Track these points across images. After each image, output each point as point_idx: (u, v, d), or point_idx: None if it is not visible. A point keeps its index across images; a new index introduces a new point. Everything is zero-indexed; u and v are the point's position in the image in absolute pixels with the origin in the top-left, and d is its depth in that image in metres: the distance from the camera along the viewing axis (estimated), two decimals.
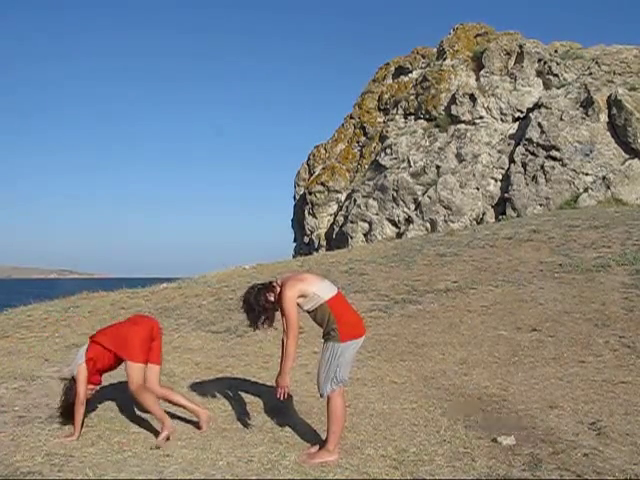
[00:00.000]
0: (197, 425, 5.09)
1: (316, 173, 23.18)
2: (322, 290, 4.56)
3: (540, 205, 17.39)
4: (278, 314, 4.66)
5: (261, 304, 4.61)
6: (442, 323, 7.94)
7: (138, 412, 5.38)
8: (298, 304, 4.54)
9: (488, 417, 5.23)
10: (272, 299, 4.61)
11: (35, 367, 6.85)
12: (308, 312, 4.63)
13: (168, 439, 4.75)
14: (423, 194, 19.10)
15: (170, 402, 5.14)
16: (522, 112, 19.56)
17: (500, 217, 17.50)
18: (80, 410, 4.80)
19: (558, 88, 19.27)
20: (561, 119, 18.08)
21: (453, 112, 20.07)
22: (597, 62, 19.82)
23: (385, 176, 19.93)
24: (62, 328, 8.75)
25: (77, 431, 4.77)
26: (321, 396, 4.59)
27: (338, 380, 4.48)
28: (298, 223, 23.48)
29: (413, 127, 21.07)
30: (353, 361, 4.74)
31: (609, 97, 17.98)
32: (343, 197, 21.85)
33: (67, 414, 4.95)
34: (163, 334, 5.21)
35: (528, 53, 20.26)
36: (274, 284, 4.64)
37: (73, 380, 4.93)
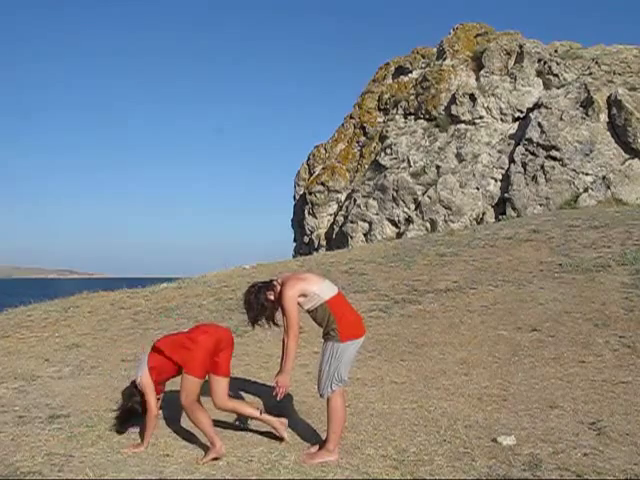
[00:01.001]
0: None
1: (316, 173, 23.17)
2: (322, 290, 4.56)
3: (540, 205, 17.38)
4: (279, 314, 4.66)
5: (261, 303, 4.60)
6: (442, 323, 7.94)
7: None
8: (299, 303, 4.54)
9: (488, 417, 5.23)
10: (272, 298, 4.60)
11: (35, 367, 6.86)
12: (308, 312, 4.63)
13: (215, 459, 4.45)
14: (423, 194, 19.10)
15: (241, 415, 4.95)
16: (522, 112, 19.56)
17: (500, 217, 17.49)
18: (152, 423, 4.62)
19: (558, 88, 19.27)
20: (561, 119, 18.08)
21: (453, 112, 20.06)
22: (597, 62, 19.82)
23: (385, 176, 19.93)
24: (62, 328, 8.76)
25: (146, 442, 4.60)
26: (321, 396, 4.59)
27: (338, 380, 4.48)
28: (298, 223, 23.48)
29: (413, 127, 21.06)
30: (353, 361, 4.74)
31: (609, 97, 17.98)
32: (343, 197, 21.85)
33: (123, 420, 4.81)
34: (233, 344, 4.88)
35: (528, 53, 20.26)
36: (275, 283, 4.63)
37: (135, 388, 4.70)
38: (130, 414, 4.78)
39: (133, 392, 4.73)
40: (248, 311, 4.68)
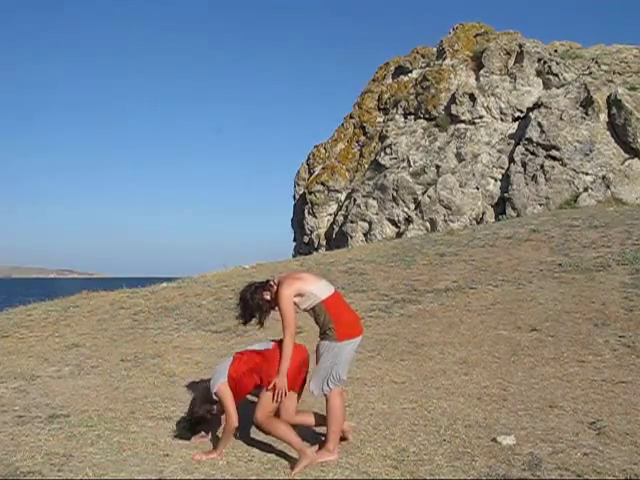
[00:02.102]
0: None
1: (316, 173, 23.17)
2: (319, 289, 4.56)
3: (540, 205, 17.39)
4: (276, 313, 4.65)
5: (256, 302, 4.59)
6: (442, 323, 7.94)
7: (137, 412, 5.38)
8: (295, 303, 4.52)
9: (488, 417, 5.23)
10: (268, 298, 4.59)
11: (35, 367, 6.85)
12: (306, 311, 4.62)
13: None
14: (423, 194, 19.10)
15: (309, 426, 4.80)
16: (522, 112, 19.56)
17: (500, 217, 17.50)
18: (229, 433, 4.52)
19: (558, 88, 19.27)
20: (561, 119, 18.08)
21: (453, 112, 20.07)
22: (597, 62, 19.82)
23: (385, 176, 19.93)
24: (62, 328, 8.76)
25: (219, 451, 4.48)
26: (312, 394, 4.58)
27: (336, 380, 4.48)
28: (298, 223, 23.47)
29: (413, 127, 21.06)
30: (351, 360, 4.73)
31: (609, 97, 17.98)
32: (343, 197, 21.85)
33: (192, 427, 4.74)
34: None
35: (528, 53, 20.26)
36: (271, 283, 4.62)
37: (209, 396, 4.59)
38: (200, 421, 4.70)
39: (206, 399, 4.63)
40: (242, 309, 4.66)
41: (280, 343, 4.54)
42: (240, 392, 4.60)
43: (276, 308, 4.59)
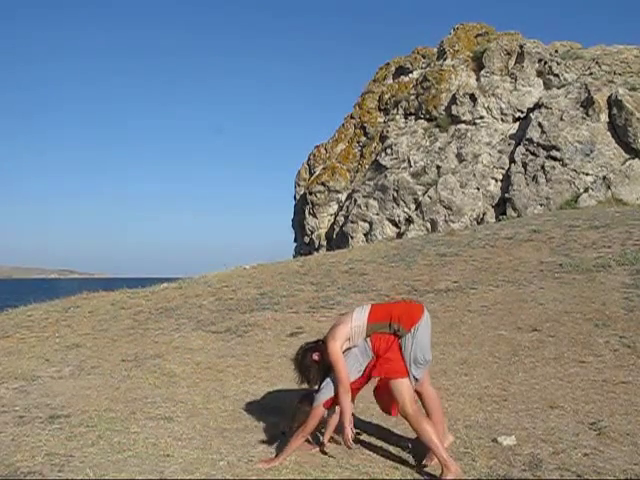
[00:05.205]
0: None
1: (316, 173, 23.18)
2: (358, 317, 4.51)
3: (540, 205, 17.39)
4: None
5: (306, 365, 4.60)
6: (442, 323, 7.94)
7: (138, 412, 5.38)
8: (350, 348, 4.47)
9: (488, 417, 5.23)
10: (317, 358, 4.57)
11: (35, 367, 6.85)
12: (376, 334, 4.52)
13: None
14: (423, 194, 19.11)
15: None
16: (522, 112, 19.57)
17: (500, 217, 17.51)
18: (298, 444, 4.46)
19: (558, 88, 19.27)
20: (561, 119, 18.08)
21: (453, 112, 20.07)
22: (597, 62, 19.83)
23: (385, 176, 19.94)
24: (62, 328, 8.75)
25: (283, 458, 4.40)
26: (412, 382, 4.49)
27: (424, 362, 4.46)
28: (298, 223, 23.48)
29: (413, 127, 21.07)
30: (429, 342, 4.60)
31: (609, 97, 17.99)
32: (343, 197, 21.86)
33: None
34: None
35: (528, 53, 20.26)
36: (320, 342, 4.62)
37: (309, 407, 4.50)
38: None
39: (305, 411, 4.53)
40: (296, 372, 4.70)
41: (381, 335, 4.46)
42: (352, 390, 4.52)
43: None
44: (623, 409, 5.26)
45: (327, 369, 4.50)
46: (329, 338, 4.48)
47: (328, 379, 4.49)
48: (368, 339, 4.46)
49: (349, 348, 4.47)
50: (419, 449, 4.57)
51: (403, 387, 4.33)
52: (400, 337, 4.44)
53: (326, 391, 4.45)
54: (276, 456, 4.45)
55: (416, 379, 4.43)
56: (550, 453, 4.48)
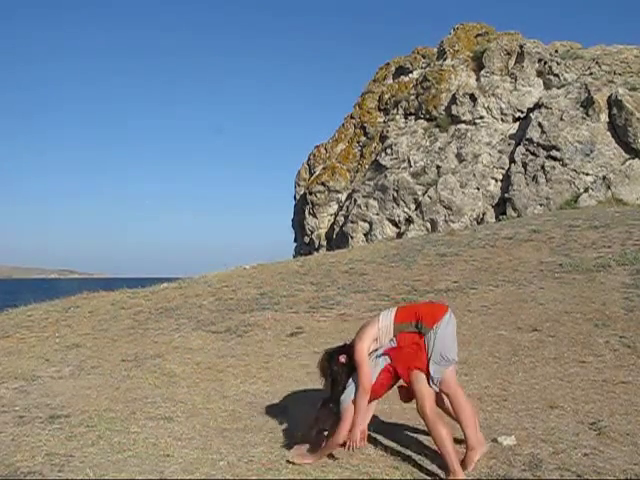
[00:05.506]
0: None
1: (316, 173, 23.19)
2: (385, 318, 4.57)
3: (540, 205, 17.39)
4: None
5: (332, 368, 4.62)
6: None
7: (138, 412, 5.38)
8: (376, 349, 4.50)
9: (488, 417, 5.23)
10: (344, 361, 4.60)
11: (35, 367, 6.85)
12: (401, 334, 4.54)
13: None
14: (423, 194, 19.11)
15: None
16: (522, 112, 19.57)
17: (500, 217, 17.51)
18: (331, 449, 4.45)
19: (558, 88, 19.27)
20: (561, 119, 18.08)
21: (453, 112, 20.07)
22: (597, 62, 19.83)
23: (385, 176, 19.94)
24: (62, 328, 8.75)
25: (316, 458, 4.39)
26: (433, 383, 4.45)
27: (447, 361, 4.44)
28: (298, 223, 23.48)
29: (413, 127, 21.07)
30: (454, 340, 4.58)
31: (609, 97, 17.99)
32: (343, 197, 21.86)
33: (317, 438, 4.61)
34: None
35: (528, 53, 20.26)
36: (345, 345, 4.66)
37: (336, 406, 4.52)
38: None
39: (331, 411, 4.54)
40: (323, 376, 4.71)
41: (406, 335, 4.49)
42: (377, 391, 4.55)
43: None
44: (623, 409, 5.26)
45: (352, 370, 4.55)
46: (356, 339, 4.53)
47: (352, 377, 4.53)
48: (394, 338, 4.51)
49: (376, 349, 4.51)
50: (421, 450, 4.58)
51: (423, 382, 4.34)
52: (424, 335, 4.47)
53: (353, 388, 4.48)
54: (313, 453, 4.44)
55: (437, 379, 4.43)
56: (550, 453, 4.48)
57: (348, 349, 4.59)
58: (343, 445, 4.45)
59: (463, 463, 4.30)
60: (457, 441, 4.44)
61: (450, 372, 4.48)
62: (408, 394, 4.54)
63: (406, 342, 4.46)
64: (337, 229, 20.99)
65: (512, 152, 18.69)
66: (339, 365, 4.59)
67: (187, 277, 12.56)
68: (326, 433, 4.59)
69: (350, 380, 4.53)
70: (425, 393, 4.31)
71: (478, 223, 17.77)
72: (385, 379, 4.53)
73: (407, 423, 5.17)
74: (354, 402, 4.44)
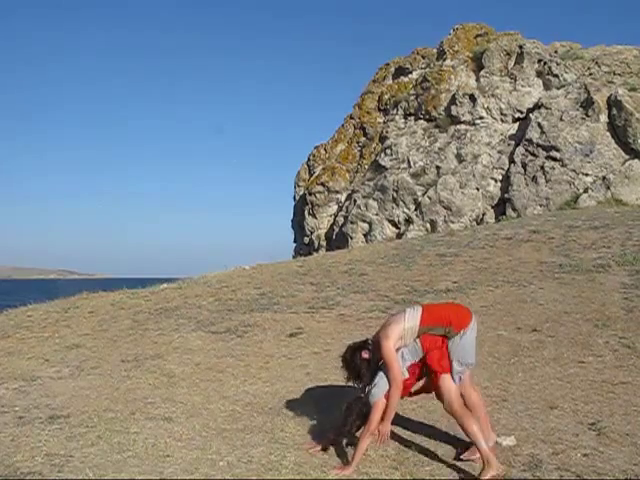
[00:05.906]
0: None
1: (316, 173, 23.18)
2: (410, 317, 4.59)
3: (540, 205, 17.39)
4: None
5: (355, 362, 4.67)
6: None
7: (137, 412, 5.38)
8: (403, 345, 4.54)
9: (489, 418, 5.23)
10: (367, 356, 4.65)
11: (35, 367, 6.85)
12: (423, 336, 4.59)
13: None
14: (423, 194, 19.11)
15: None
16: (522, 112, 19.57)
17: (500, 217, 17.50)
18: (367, 443, 4.45)
19: (558, 88, 19.28)
20: (561, 119, 18.09)
21: (453, 112, 20.07)
22: (597, 62, 19.83)
23: (385, 176, 19.94)
24: (62, 328, 8.75)
25: (355, 464, 4.37)
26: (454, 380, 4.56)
27: (465, 364, 4.56)
28: (298, 223, 23.48)
29: (413, 127, 21.07)
30: (474, 346, 4.70)
31: (609, 97, 17.99)
32: (343, 197, 21.86)
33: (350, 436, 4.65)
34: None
35: (528, 53, 20.26)
36: (369, 341, 4.71)
37: (364, 402, 4.54)
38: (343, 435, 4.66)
39: (360, 411, 4.56)
40: (346, 370, 4.76)
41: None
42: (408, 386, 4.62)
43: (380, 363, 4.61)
44: (623, 409, 5.26)
45: (376, 365, 4.60)
46: (382, 337, 4.56)
47: (381, 373, 4.55)
48: (418, 339, 4.56)
49: (399, 348, 4.55)
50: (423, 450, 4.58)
51: (450, 384, 4.45)
52: (449, 339, 4.53)
53: (383, 384, 4.51)
54: (349, 463, 4.41)
55: (457, 380, 4.53)
56: (550, 453, 4.49)
57: (370, 345, 4.65)
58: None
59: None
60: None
61: (467, 373, 4.62)
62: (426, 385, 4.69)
63: (431, 345, 4.53)
64: (337, 229, 20.99)
65: (512, 152, 18.68)
66: (362, 360, 4.63)
67: (187, 277, 12.55)
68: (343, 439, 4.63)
69: (380, 375, 4.55)
70: (452, 393, 4.43)
71: (478, 223, 17.77)
72: (408, 380, 4.60)
73: (407, 423, 5.17)
74: (386, 397, 4.47)
